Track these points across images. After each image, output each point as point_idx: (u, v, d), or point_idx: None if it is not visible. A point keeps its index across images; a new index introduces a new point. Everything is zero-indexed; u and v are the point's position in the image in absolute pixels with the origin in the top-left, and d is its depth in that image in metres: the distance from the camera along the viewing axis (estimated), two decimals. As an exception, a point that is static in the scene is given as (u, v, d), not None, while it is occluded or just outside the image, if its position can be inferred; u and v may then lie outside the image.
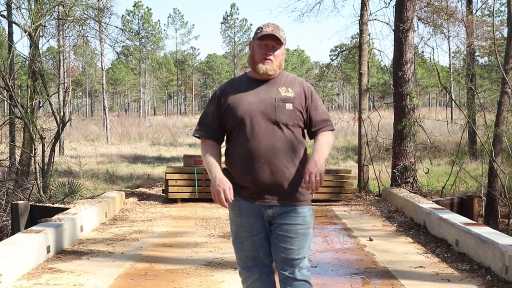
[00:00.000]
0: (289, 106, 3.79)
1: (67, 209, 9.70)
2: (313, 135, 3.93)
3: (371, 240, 8.54)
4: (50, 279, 6.40)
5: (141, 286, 6.18)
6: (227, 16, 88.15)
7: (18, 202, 10.74)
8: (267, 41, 3.80)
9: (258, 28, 3.87)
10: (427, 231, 8.99)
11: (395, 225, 9.92)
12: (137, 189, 15.30)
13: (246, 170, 3.75)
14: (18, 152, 17.33)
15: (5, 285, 6.00)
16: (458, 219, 8.19)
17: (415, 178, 14.89)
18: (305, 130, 3.96)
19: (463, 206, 10.70)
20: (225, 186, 3.63)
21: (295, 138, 3.80)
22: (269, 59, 3.80)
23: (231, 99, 3.85)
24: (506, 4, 16.03)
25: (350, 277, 6.49)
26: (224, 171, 3.84)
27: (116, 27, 28.39)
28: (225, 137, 3.97)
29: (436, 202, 10.33)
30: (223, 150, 3.92)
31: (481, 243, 6.83)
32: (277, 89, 3.84)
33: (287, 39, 3.93)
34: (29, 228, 7.93)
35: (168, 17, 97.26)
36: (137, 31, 63.61)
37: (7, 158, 16.74)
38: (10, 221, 11.39)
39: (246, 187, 3.78)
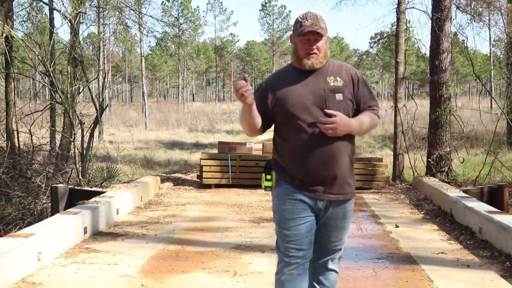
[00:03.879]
0: (339, 96, 3.76)
1: (104, 192, 10.09)
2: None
3: (397, 227, 8.78)
4: (86, 258, 6.79)
5: (172, 266, 6.51)
6: (266, 2, 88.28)
7: (58, 185, 11.14)
8: (309, 36, 3.73)
9: (297, 22, 3.79)
10: (453, 218, 9.17)
11: (422, 212, 10.12)
12: (173, 175, 15.68)
13: (299, 163, 3.74)
14: (58, 137, 17.82)
15: (44, 263, 6.40)
16: (482, 207, 8.37)
17: (450, 167, 14.98)
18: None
19: (493, 195, 10.78)
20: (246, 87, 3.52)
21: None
22: (314, 53, 3.74)
23: (279, 92, 3.80)
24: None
25: (372, 261, 6.75)
26: (273, 161, 3.93)
27: (151, 17, 28.75)
28: (273, 129, 3.95)
29: (465, 191, 10.46)
30: (268, 137, 4.11)
31: (502, 230, 7.02)
32: (326, 79, 3.80)
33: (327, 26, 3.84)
34: (67, 210, 8.35)
35: (207, 4, 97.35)
36: (176, 18, 64.13)
37: (47, 142, 17.26)
38: (50, 204, 11.79)
39: (299, 178, 3.77)
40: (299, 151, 3.73)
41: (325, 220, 3.85)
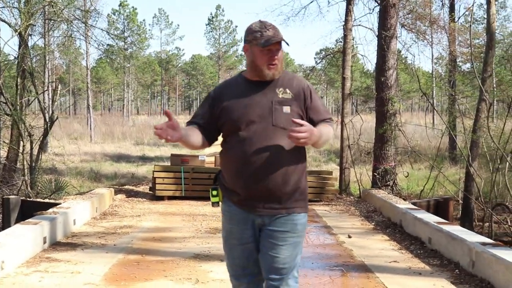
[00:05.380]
0: (286, 109, 3.61)
1: (57, 204, 10.10)
2: None
3: (349, 237, 9.05)
4: (48, 267, 6.86)
5: (135, 274, 6.64)
6: (212, 17, 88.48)
7: (10, 196, 11.12)
8: (271, 46, 3.58)
9: (256, 32, 3.60)
10: (403, 229, 9.53)
11: (373, 224, 10.45)
12: (125, 187, 15.72)
13: (238, 175, 3.59)
14: (4, 149, 17.64)
15: (7, 272, 6.46)
16: (431, 218, 8.75)
17: (395, 181, 15.42)
18: None
19: (439, 208, 11.21)
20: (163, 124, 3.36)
21: (293, 143, 3.52)
22: (275, 64, 3.61)
23: (226, 101, 3.67)
24: (486, 14, 16.62)
25: (329, 269, 7.01)
26: (220, 174, 3.80)
27: (102, 30, 28.66)
28: (221, 139, 3.80)
29: (414, 203, 10.85)
30: (215, 149, 4.13)
31: (451, 240, 7.39)
32: (275, 91, 3.64)
33: None
34: (26, 220, 8.35)
35: (153, 17, 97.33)
36: (122, 31, 63.90)
37: (-6, 154, 17.09)
38: (0, 216, 11.72)
39: (237, 193, 3.63)
40: (239, 163, 3.58)
41: (271, 233, 3.62)
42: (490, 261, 6.24)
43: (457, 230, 7.73)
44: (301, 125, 3.41)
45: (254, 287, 3.76)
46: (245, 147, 3.57)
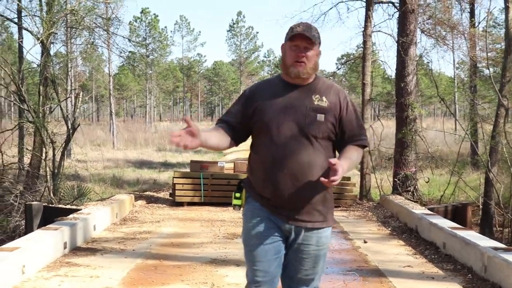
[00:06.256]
0: (320, 117, 3.50)
1: (78, 210, 10.29)
2: (342, 147, 3.61)
3: (365, 242, 9.17)
4: (68, 272, 7.05)
5: (152, 279, 6.81)
6: (233, 24, 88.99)
7: (32, 203, 11.34)
8: (298, 42, 3.48)
9: (290, 29, 3.54)
10: (419, 235, 9.61)
11: (389, 229, 10.55)
12: (145, 193, 15.92)
13: (267, 180, 3.50)
14: (28, 155, 17.94)
15: (28, 276, 6.66)
16: (446, 223, 8.84)
17: (416, 187, 15.44)
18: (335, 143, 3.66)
19: (457, 213, 11.25)
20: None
21: (323, 152, 3.50)
22: (302, 62, 3.48)
23: (260, 101, 3.58)
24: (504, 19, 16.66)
25: (343, 273, 7.13)
26: (246, 179, 3.73)
27: (123, 37, 28.95)
28: (251, 140, 3.72)
29: (431, 209, 10.90)
30: (238, 157, 4.08)
31: (465, 245, 7.47)
32: (311, 97, 3.54)
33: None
34: (47, 226, 8.56)
35: (175, 24, 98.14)
36: (143, 38, 64.41)
37: (17, 161, 17.39)
38: (23, 221, 11.95)
39: (266, 198, 3.54)
40: (269, 168, 3.49)
41: (297, 246, 3.56)
42: (501, 266, 6.32)
43: (471, 235, 7.81)
44: (335, 167, 3.28)
45: None
46: (275, 152, 3.49)
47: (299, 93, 3.57)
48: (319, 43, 3.59)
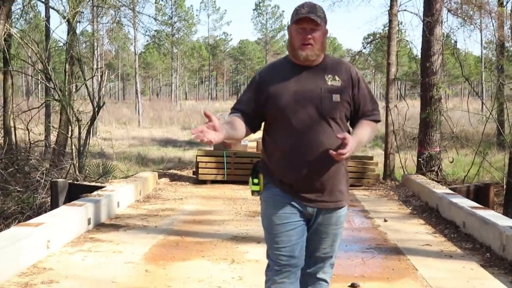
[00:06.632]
0: (336, 97, 3.46)
1: (103, 187, 10.47)
2: (356, 122, 3.63)
3: (385, 221, 9.24)
4: (91, 247, 7.23)
5: (173, 254, 6.96)
6: (259, 2, 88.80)
7: (58, 180, 11.55)
8: (304, 25, 3.44)
9: (294, 11, 3.50)
10: (439, 214, 9.65)
11: (410, 208, 10.59)
12: (169, 171, 16.10)
13: (288, 166, 3.48)
14: (54, 133, 18.20)
15: (53, 250, 6.84)
16: (466, 203, 8.88)
17: (440, 167, 15.44)
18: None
19: (480, 193, 11.24)
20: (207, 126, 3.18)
21: (342, 132, 3.44)
22: (309, 44, 3.44)
23: (272, 87, 3.51)
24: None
25: (362, 251, 7.23)
26: (262, 163, 3.69)
27: (149, 16, 29.15)
28: (263, 127, 3.70)
29: (453, 189, 10.91)
30: (256, 137, 3.96)
31: (484, 224, 7.52)
32: (323, 77, 3.50)
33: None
34: (72, 202, 8.74)
35: (200, 3, 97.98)
36: (169, 16, 64.53)
37: (44, 139, 17.67)
38: (49, 198, 12.16)
39: (286, 183, 3.52)
40: (289, 155, 3.46)
41: (317, 226, 3.59)
42: (519, 245, 6.39)
43: (490, 214, 7.85)
44: (344, 140, 3.31)
45: (294, 277, 3.59)
46: (294, 137, 3.46)
47: (311, 75, 3.52)
48: (325, 23, 3.54)
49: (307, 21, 3.44)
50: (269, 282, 3.61)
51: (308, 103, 3.45)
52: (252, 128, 3.60)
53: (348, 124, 3.62)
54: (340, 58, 3.87)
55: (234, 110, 3.61)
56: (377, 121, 3.69)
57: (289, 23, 3.59)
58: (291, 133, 3.46)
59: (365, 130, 3.58)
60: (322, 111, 3.45)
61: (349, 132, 3.55)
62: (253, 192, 3.70)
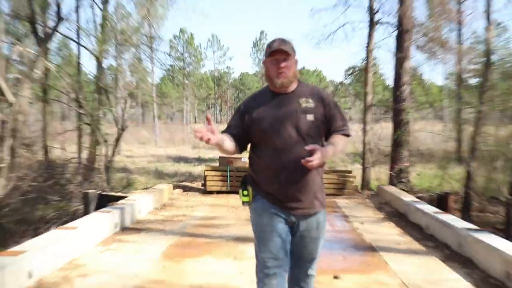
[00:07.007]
0: (310, 117, 3.49)
1: (127, 197, 10.52)
2: (328, 136, 3.61)
3: (362, 224, 9.32)
4: (119, 246, 7.33)
5: (186, 252, 7.06)
6: (257, 41, 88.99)
7: (89, 191, 11.64)
8: (277, 56, 3.48)
9: (267, 46, 3.55)
10: (407, 218, 9.75)
11: (383, 213, 10.66)
12: (181, 183, 16.17)
13: (272, 180, 3.50)
14: (85, 152, 18.29)
15: (86, 250, 6.95)
16: (429, 209, 8.97)
17: (408, 179, 15.53)
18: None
19: (441, 201, 11.32)
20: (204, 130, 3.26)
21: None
22: (283, 72, 3.47)
23: (255, 112, 3.53)
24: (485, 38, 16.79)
25: (342, 249, 7.33)
26: (249, 177, 3.70)
27: (164, 53, 29.39)
28: (249, 147, 3.71)
29: (419, 197, 11.01)
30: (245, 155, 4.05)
31: (444, 226, 7.64)
32: (298, 101, 3.52)
33: (308, 56, 3.66)
34: (101, 209, 8.84)
35: (207, 41, 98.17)
36: (181, 53, 64.76)
37: (77, 157, 17.77)
38: (81, 206, 12.23)
39: (272, 195, 3.54)
40: (273, 169, 3.49)
41: (301, 233, 3.59)
42: (472, 243, 6.51)
43: (449, 218, 7.96)
44: (313, 150, 3.30)
45: (281, 277, 3.58)
46: (277, 154, 3.46)
47: (287, 100, 3.55)
48: (295, 53, 3.57)
49: (279, 53, 3.48)
50: (260, 283, 3.62)
51: (287, 124, 3.47)
52: (240, 147, 3.62)
53: (323, 140, 3.61)
54: (312, 84, 3.92)
55: (224, 132, 3.63)
56: (347, 135, 3.66)
57: (264, 58, 3.60)
58: (273, 150, 3.47)
59: (336, 142, 3.55)
60: (299, 130, 3.47)
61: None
62: (243, 203, 3.71)
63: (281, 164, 3.45)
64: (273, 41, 3.54)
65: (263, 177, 3.57)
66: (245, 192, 3.67)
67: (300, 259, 3.66)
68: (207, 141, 3.20)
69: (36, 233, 11.24)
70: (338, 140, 3.56)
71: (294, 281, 3.74)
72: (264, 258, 3.55)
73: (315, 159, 3.27)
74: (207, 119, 3.28)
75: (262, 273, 3.57)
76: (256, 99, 3.66)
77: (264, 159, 3.52)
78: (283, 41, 3.53)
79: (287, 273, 3.63)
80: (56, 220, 12.28)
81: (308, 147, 3.31)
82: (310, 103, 3.54)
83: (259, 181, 3.59)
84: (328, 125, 3.59)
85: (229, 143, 3.51)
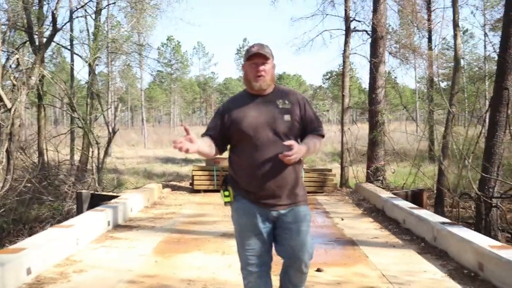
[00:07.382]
0: (287, 117, 3.45)
1: (118, 196, 10.41)
2: (304, 136, 3.57)
3: (342, 219, 9.32)
4: (112, 243, 7.26)
5: (176, 248, 7.01)
6: (240, 48, 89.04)
7: (82, 191, 11.53)
8: (256, 60, 3.45)
9: (246, 51, 3.51)
10: (385, 213, 9.76)
11: (361, 209, 10.68)
12: (170, 182, 16.10)
13: (252, 178, 3.43)
14: (78, 154, 18.16)
15: (81, 247, 6.88)
16: (406, 204, 8.99)
17: (384, 176, 15.63)
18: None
19: (415, 197, 11.36)
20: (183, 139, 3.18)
21: None
22: (261, 75, 3.44)
23: (235, 113, 3.49)
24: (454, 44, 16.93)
25: (324, 244, 7.33)
26: (230, 177, 3.63)
27: (153, 59, 29.41)
28: (229, 147, 3.64)
29: (395, 194, 11.03)
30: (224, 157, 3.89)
31: (419, 221, 7.67)
32: (275, 102, 3.49)
33: (287, 61, 3.60)
34: (95, 208, 8.77)
35: (193, 49, 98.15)
36: (169, 60, 64.58)
37: (69, 158, 17.64)
38: (75, 206, 12.12)
39: (252, 192, 3.47)
40: (252, 167, 3.42)
41: (285, 225, 3.49)
42: (446, 236, 6.53)
43: (424, 213, 8.00)
44: (291, 146, 3.28)
45: (264, 275, 3.56)
46: (256, 153, 3.41)
47: (265, 101, 3.52)
48: (273, 57, 3.55)
49: (258, 56, 3.45)
50: (245, 280, 3.60)
51: (265, 124, 3.43)
52: (220, 148, 3.56)
53: (299, 140, 3.55)
54: (288, 87, 3.87)
55: (204, 135, 3.57)
56: (322, 135, 3.64)
57: (243, 61, 3.57)
58: (252, 149, 3.42)
59: (311, 141, 3.53)
60: (276, 130, 3.43)
61: None
62: (225, 203, 3.62)
63: (259, 162, 3.40)
64: (252, 45, 3.52)
65: (242, 176, 3.51)
66: (226, 193, 3.60)
67: (291, 256, 3.53)
68: (186, 151, 3.14)
69: (31, 232, 11.13)
70: (313, 139, 3.56)
71: (286, 277, 3.69)
72: (247, 256, 3.52)
73: (293, 154, 3.27)
74: (185, 130, 3.23)
75: (246, 270, 3.55)
76: (235, 101, 3.63)
77: (243, 158, 3.47)
78: (261, 45, 3.51)
79: (270, 269, 3.60)
80: (50, 220, 12.18)
81: (286, 143, 3.30)
82: (287, 105, 3.51)
83: (238, 180, 3.54)
84: (303, 126, 3.57)
85: (208, 148, 3.46)
